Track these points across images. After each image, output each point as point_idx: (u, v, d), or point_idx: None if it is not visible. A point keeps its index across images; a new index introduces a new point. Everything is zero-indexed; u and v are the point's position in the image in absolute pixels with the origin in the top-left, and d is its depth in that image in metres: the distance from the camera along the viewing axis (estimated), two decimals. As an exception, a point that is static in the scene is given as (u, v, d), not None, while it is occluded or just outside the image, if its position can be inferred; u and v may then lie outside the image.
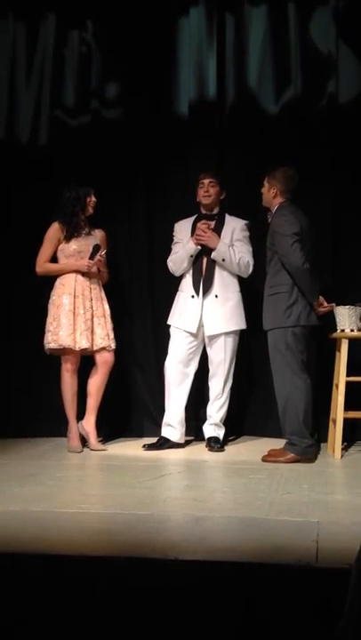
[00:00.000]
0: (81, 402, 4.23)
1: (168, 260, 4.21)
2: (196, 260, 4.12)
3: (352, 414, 3.95)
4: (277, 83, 4.52)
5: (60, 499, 2.96)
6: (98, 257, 4.11)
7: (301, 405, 3.68)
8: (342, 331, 3.94)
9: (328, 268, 4.29)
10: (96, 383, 4.20)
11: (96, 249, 4.13)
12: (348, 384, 3.89)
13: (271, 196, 3.84)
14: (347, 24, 4.42)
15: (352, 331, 3.92)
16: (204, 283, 4.10)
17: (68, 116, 4.74)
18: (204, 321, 4.11)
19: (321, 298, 3.84)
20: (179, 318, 4.16)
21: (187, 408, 4.19)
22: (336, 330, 3.97)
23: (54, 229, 4.20)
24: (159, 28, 4.62)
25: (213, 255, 4.07)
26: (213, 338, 4.13)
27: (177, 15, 4.63)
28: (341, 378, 3.89)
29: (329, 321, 3.96)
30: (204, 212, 4.18)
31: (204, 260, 4.12)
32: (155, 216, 4.57)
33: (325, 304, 3.85)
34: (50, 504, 2.81)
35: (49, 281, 4.23)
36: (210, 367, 4.17)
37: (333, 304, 3.87)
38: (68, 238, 4.18)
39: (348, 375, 3.89)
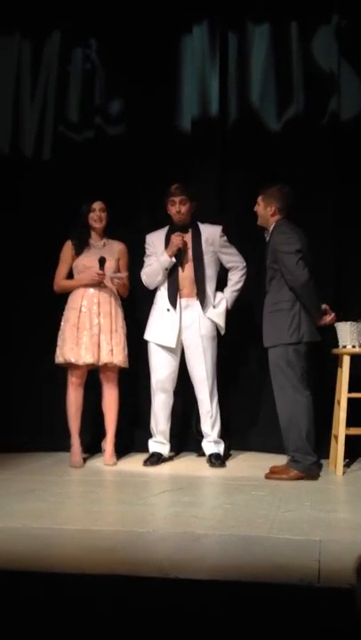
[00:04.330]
0: (91, 418, 4.28)
1: (141, 273, 4.22)
2: (170, 273, 4.14)
3: (354, 430, 3.94)
4: (280, 100, 4.55)
5: (60, 515, 2.95)
6: (115, 280, 4.11)
7: (304, 422, 3.67)
8: (344, 347, 3.95)
9: (330, 283, 4.30)
10: (106, 401, 4.22)
11: (102, 261, 4.14)
12: (349, 400, 3.89)
13: (269, 214, 3.82)
14: (349, 42, 4.47)
15: (354, 347, 3.93)
16: (185, 297, 4.13)
17: (72, 132, 4.78)
18: (183, 331, 4.12)
19: (325, 306, 3.84)
20: (156, 333, 4.16)
21: (174, 422, 4.25)
22: (338, 346, 3.97)
23: (66, 247, 4.26)
24: (162, 46, 4.66)
25: (230, 306, 4.20)
26: (192, 350, 4.12)
27: (180, 33, 4.68)
28: (343, 394, 3.89)
29: (331, 337, 3.96)
30: (176, 223, 4.18)
31: (180, 273, 4.14)
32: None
33: (330, 312, 3.84)
34: (51, 520, 2.80)
35: (56, 296, 4.27)
36: (193, 384, 4.18)
37: (334, 315, 3.87)
38: (78, 254, 4.22)
39: (349, 391, 3.89)
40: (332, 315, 3.84)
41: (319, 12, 4.49)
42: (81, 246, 4.22)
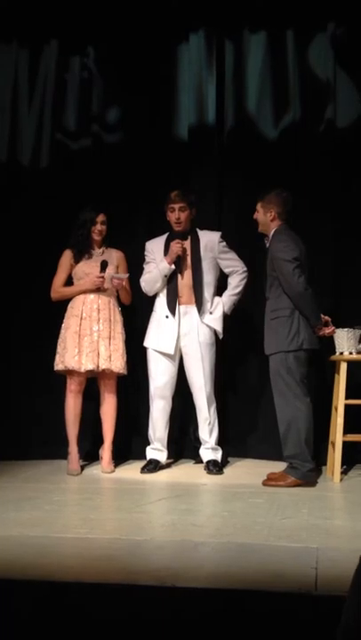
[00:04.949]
0: (89, 425, 4.28)
1: (141, 280, 4.23)
2: (170, 280, 4.14)
3: (351, 437, 3.94)
4: (276, 108, 4.57)
5: (57, 523, 2.94)
6: (115, 280, 4.13)
7: (303, 429, 3.67)
8: (341, 353, 3.95)
9: (328, 291, 4.31)
10: (103, 408, 4.22)
11: (104, 265, 4.15)
12: (347, 407, 3.89)
13: (269, 219, 3.84)
14: (344, 51, 4.49)
15: (351, 353, 3.93)
16: (184, 304, 4.14)
17: (69, 140, 4.79)
18: (181, 338, 4.12)
19: (326, 318, 3.85)
20: (155, 340, 4.16)
21: (171, 429, 4.24)
22: (335, 352, 3.98)
23: (65, 255, 4.26)
24: (159, 54, 4.68)
25: (228, 310, 4.18)
26: (190, 357, 4.12)
27: (177, 41, 4.70)
28: (341, 401, 3.89)
29: (329, 344, 3.97)
30: (176, 231, 4.18)
31: (179, 280, 4.15)
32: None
33: (330, 325, 3.85)
34: (48, 529, 2.79)
35: (54, 304, 4.27)
36: (191, 390, 4.17)
37: (334, 328, 3.88)
38: (77, 262, 4.23)
39: (347, 398, 3.90)
40: (332, 328, 3.86)
41: (315, 20, 4.51)
42: (80, 255, 4.24)
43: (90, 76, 4.79)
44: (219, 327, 4.16)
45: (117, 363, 4.14)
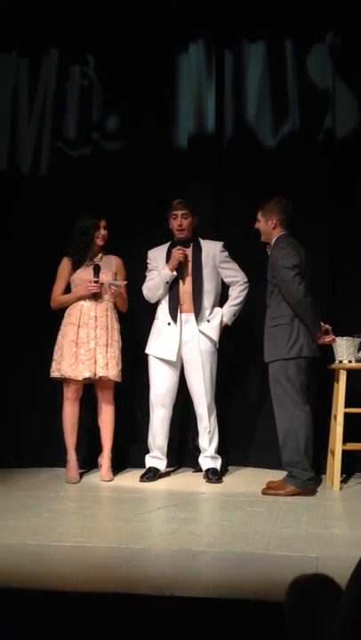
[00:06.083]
0: (88, 433, 4.28)
1: (143, 288, 4.23)
2: (171, 287, 4.15)
3: (351, 446, 3.94)
4: (275, 117, 4.59)
5: (56, 532, 2.93)
6: (113, 287, 4.12)
7: (302, 437, 3.67)
8: (340, 362, 3.95)
9: (326, 299, 4.31)
10: (101, 416, 4.21)
11: (96, 269, 4.15)
12: (346, 415, 3.89)
13: (271, 227, 3.85)
14: (343, 60, 4.52)
15: (350, 362, 3.93)
16: (185, 312, 4.14)
17: (69, 148, 4.80)
18: (182, 346, 4.12)
19: (327, 326, 3.85)
20: (157, 347, 4.16)
21: (171, 437, 4.23)
22: (334, 361, 3.98)
23: (63, 263, 4.26)
24: (159, 63, 4.71)
25: (228, 321, 4.17)
26: (191, 365, 4.12)
27: (176, 50, 4.72)
28: (340, 409, 3.89)
29: (328, 352, 3.97)
30: (178, 238, 4.19)
31: (181, 287, 4.15)
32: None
33: (330, 333, 3.85)
34: (46, 537, 2.79)
35: (52, 312, 4.27)
36: (192, 398, 4.17)
37: (334, 337, 3.88)
38: (75, 269, 4.23)
39: (346, 406, 3.89)
40: (332, 336, 3.86)
41: (314, 30, 4.54)
42: (79, 262, 4.24)
43: (90, 85, 4.81)
44: (215, 336, 4.15)
45: (113, 370, 4.14)
